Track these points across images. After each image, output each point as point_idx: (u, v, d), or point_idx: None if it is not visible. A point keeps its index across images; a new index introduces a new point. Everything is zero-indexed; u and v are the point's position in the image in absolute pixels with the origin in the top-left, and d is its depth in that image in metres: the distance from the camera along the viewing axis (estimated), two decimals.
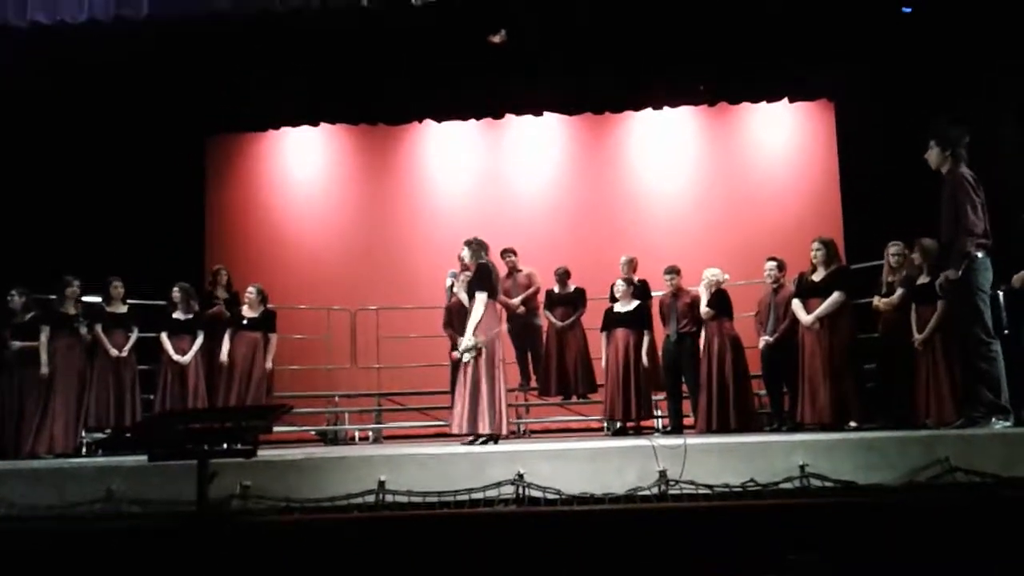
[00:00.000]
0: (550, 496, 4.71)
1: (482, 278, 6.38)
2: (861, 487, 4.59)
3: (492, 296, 6.39)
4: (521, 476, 4.77)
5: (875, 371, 6.64)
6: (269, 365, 7.63)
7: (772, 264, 7.15)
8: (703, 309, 7.14)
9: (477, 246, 6.51)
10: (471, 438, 6.08)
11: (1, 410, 7.04)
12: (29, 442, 6.85)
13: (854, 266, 7.27)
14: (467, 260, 6.58)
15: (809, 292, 6.63)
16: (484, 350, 6.17)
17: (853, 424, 6.30)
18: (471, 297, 6.39)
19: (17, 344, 7.08)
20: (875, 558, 4.19)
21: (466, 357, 6.18)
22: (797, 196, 10.01)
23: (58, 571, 4.47)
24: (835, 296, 6.47)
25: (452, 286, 6.62)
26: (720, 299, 7.15)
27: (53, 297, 7.30)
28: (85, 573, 4.44)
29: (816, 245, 6.70)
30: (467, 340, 6.23)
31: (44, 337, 7.04)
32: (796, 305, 6.68)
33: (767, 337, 7.00)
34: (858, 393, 6.41)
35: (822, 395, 6.37)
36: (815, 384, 6.44)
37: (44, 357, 6.99)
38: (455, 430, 6.25)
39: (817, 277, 6.64)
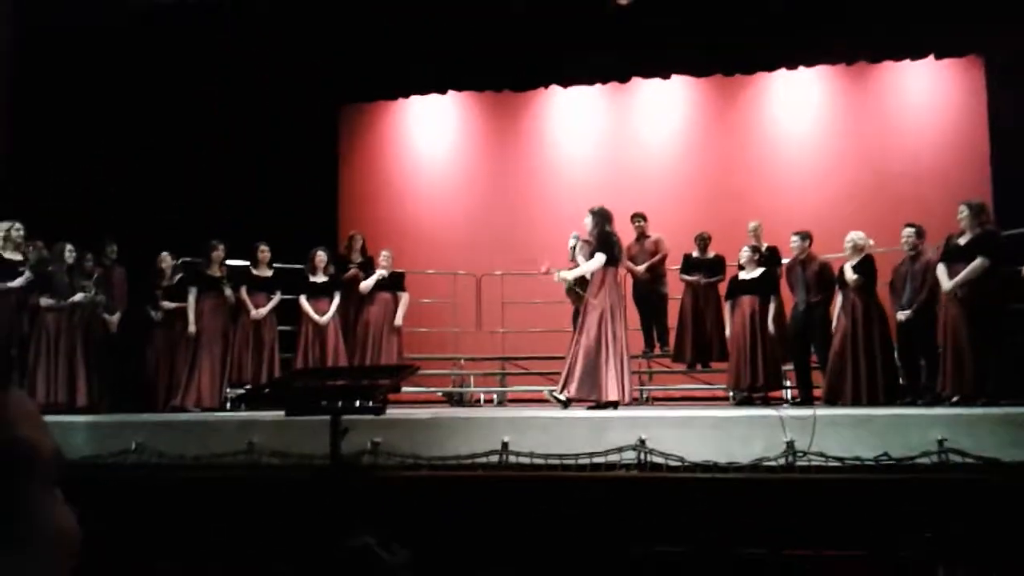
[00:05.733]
0: (672, 463, 4.67)
1: (603, 246, 6.37)
2: (1006, 464, 4.35)
3: (613, 264, 6.37)
4: (643, 442, 4.75)
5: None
6: (399, 321, 8.00)
7: (910, 231, 6.74)
8: (851, 276, 6.73)
9: (600, 216, 6.47)
10: (593, 404, 6.07)
11: (154, 367, 7.53)
12: (178, 397, 7.28)
13: (1006, 232, 6.83)
14: (589, 228, 6.52)
15: (955, 256, 6.26)
16: (604, 318, 6.17)
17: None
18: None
19: (169, 305, 7.55)
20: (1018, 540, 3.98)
21: (555, 277, 6.58)
22: (942, 159, 9.44)
23: (202, 515, 4.77)
24: (978, 261, 6.08)
25: (575, 247, 6.63)
26: (868, 265, 6.80)
27: (200, 260, 7.71)
28: (227, 517, 4.72)
29: (961, 208, 6.32)
30: (567, 273, 6.57)
31: (191, 298, 7.45)
32: (940, 270, 6.32)
33: (907, 312, 6.57)
34: (1000, 365, 6.02)
35: (968, 366, 6.01)
36: (960, 355, 6.07)
37: (191, 317, 7.40)
38: (572, 395, 6.23)
39: (963, 241, 6.28)
